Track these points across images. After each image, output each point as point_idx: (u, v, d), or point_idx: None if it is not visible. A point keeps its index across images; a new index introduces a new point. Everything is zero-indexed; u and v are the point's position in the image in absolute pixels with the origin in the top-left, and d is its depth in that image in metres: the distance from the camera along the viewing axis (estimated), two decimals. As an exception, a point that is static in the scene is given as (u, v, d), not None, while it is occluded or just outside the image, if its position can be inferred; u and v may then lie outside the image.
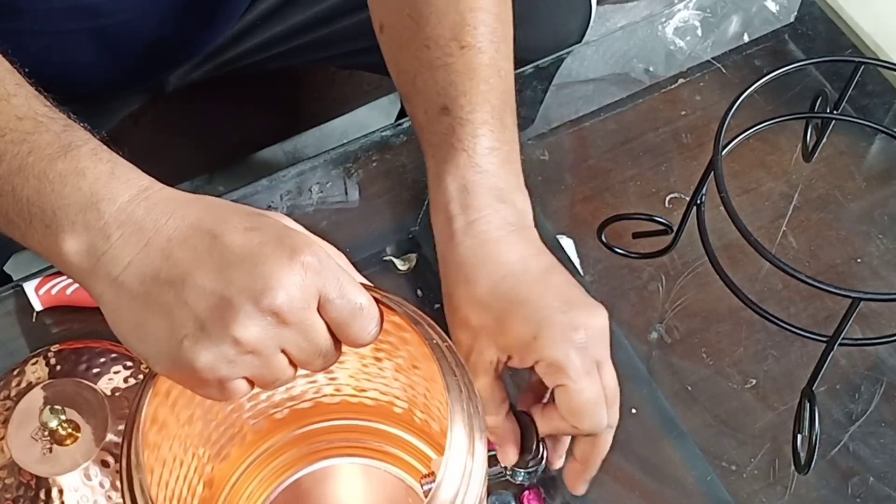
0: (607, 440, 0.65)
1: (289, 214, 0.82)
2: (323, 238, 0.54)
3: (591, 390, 0.61)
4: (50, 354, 0.73)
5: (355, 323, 0.52)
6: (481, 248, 0.65)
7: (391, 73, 0.74)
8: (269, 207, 0.84)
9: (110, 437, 0.68)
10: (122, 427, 0.69)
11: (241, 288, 0.48)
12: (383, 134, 0.87)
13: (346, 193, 0.85)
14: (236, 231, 0.50)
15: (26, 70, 0.56)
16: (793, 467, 0.73)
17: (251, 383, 0.52)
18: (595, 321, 0.63)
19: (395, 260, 0.82)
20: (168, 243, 0.50)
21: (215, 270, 0.49)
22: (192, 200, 0.52)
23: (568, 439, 0.67)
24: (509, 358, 0.63)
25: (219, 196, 0.55)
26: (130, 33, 0.82)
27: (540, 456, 0.62)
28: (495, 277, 0.64)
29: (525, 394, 0.68)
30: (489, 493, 0.72)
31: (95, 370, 0.72)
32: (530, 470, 0.62)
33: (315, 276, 0.49)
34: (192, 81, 0.95)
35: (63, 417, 0.66)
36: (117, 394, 0.71)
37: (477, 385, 0.60)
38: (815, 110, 0.82)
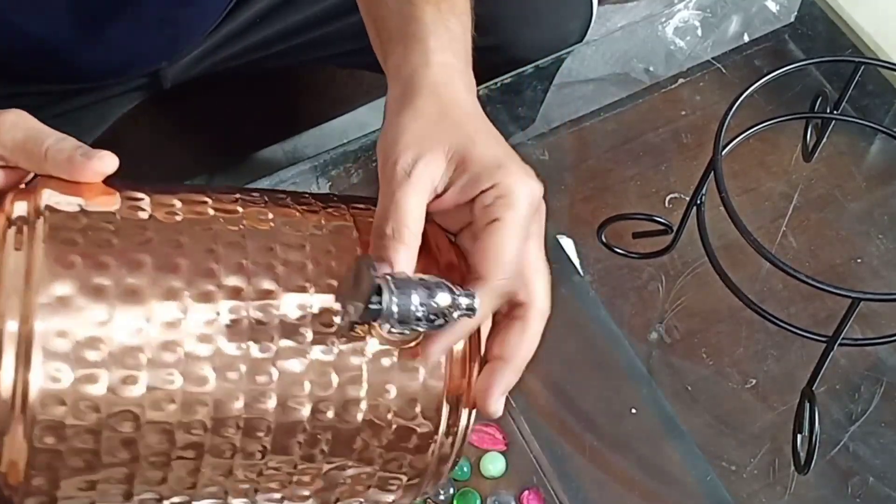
0: (536, 330, 0.56)
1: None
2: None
3: (520, 239, 0.54)
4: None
5: None
6: (453, 77, 0.60)
7: None
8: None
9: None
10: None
11: None
12: (383, 134, 0.87)
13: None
14: None
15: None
16: (792, 467, 0.73)
17: None
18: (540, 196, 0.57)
19: (394, 260, 0.82)
20: None
21: None
22: None
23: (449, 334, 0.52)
24: (449, 184, 0.56)
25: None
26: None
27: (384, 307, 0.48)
28: (465, 108, 0.59)
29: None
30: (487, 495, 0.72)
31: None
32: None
33: None
34: (191, 79, 0.95)
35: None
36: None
37: (409, 199, 0.54)
38: (815, 110, 0.82)
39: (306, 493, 0.52)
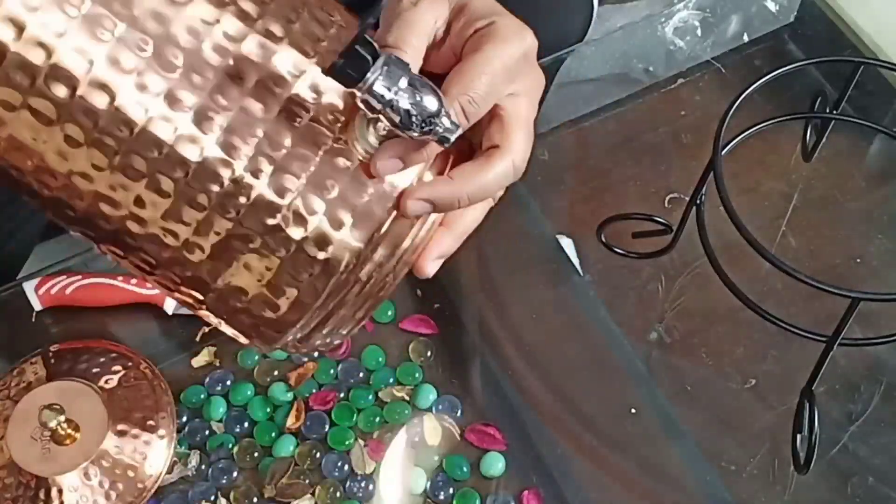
0: (496, 173, 0.53)
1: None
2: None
3: (498, 71, 0.52)
4: (49, 354, 0.73)
5: None
6: None
7: None
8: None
9: (109, 436, 0.68)
10: (121, 427, 0.69)
11: None
12: (383, 134, 0.87)
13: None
14: None
15: None
16: (792, 467, 0.73)
17: None
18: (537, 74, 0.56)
19: (394, 260, 0.82)
20: None
21: None
22: None
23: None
24: (447, 30, 0.55)
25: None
26: None
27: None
28: None
29: None
30: (484, 497, 0.72)
31: (95, 370, 0.72)
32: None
33: None
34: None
35: (62, 417, 0.66)
36: (117, 393, 0.71)
37: (414, 18, 0.52)
38: (815, 110, 0.82)
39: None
